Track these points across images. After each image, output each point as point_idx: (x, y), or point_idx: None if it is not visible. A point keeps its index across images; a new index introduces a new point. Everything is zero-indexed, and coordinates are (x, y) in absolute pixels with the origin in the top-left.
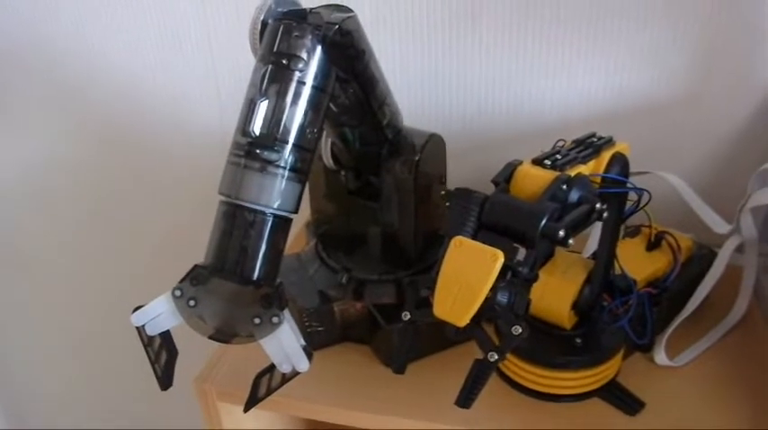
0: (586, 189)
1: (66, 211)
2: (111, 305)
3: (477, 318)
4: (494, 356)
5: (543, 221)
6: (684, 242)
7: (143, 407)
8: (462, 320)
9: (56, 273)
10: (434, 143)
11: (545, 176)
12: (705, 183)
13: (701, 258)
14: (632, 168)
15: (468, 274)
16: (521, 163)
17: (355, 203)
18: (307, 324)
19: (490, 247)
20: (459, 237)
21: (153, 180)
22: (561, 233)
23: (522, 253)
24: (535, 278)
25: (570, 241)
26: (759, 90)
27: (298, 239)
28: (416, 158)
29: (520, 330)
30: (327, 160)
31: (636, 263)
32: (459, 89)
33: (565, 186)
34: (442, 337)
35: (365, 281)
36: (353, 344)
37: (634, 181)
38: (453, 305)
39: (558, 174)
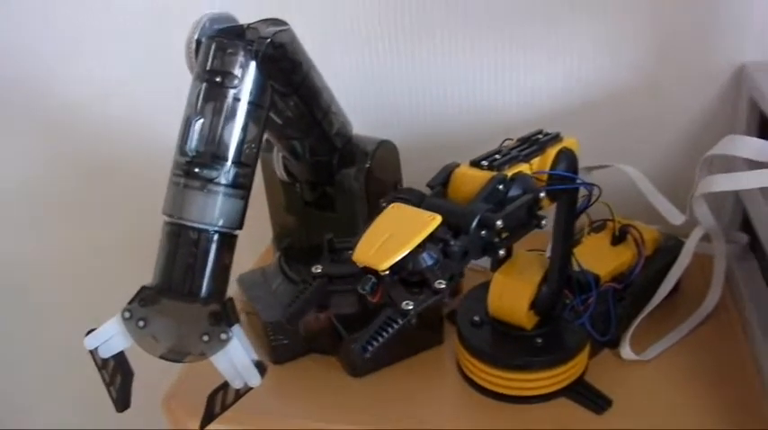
0: (527, 186)
1: (48, 233)
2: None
3: (396, 271)
4: (409, 305)
5: (475, 222)
6: (651, 234)
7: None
8: (383, 264)
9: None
10: (386, 149)
11: (481, 177)
12: (667, 174)
13: (669, 250)
14: (593, 161)
15: (400, 227)
16: (458, 165)
17: (313, 215)
18: (271, 337)
19: (429, 211)
20: (397, 203)
21: (133, 199)
22: (499, 223)
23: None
24: (461, 269)
25: (506, 235)
26: (716, 78)
27: (269, 253)
28: (367, 166)
29: (443, 285)
30: (280, 173)
31: (601, 257)
32: (413, 93)
33: (501, 186)
34: (407, 345)
35: (327, 291)
36: (319, 356)
37: (595, 174)
38: (377, 251)
39: (493, 174)
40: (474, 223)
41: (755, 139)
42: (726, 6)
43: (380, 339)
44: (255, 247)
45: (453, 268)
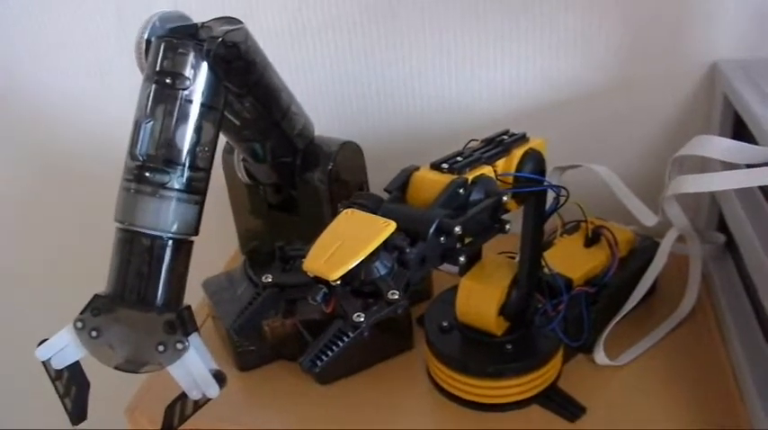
0: (489, 189)
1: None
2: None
3: (348, 281)
4: (360, 317)
5: (432, 228)
6: (625, 235)
7: None
8: (333, 274)
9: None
10: (349, 150)
11: (441, 181)
12: (640, 174)
13: (644, 251)
14: (564, 161)
15: (353, 234)
16: (417, 168)
17: (278, 218)
18: (237, 344)
19: (384, 218)
20: (350, 209)
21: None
22: (458, 229)
23: None
24: (418, 277)
25: (469, 240)
26: (689, 76)
27: (238, 256)
28: (330, 167)
29: (396, 295)
30: (242, 176)
31: (574, 260)
32: (380, 93)
33: (462, 190)
34: (376, 351)
35: (293, 298)
36: (287, 363)
37: (567, 174)
38: (329, 259)
39: (453, 177)
40: (431, 229)
41: (725, 140)
42: (698, 2)
43: (330, 353)
44: (224, 251)
45: (410, 277)
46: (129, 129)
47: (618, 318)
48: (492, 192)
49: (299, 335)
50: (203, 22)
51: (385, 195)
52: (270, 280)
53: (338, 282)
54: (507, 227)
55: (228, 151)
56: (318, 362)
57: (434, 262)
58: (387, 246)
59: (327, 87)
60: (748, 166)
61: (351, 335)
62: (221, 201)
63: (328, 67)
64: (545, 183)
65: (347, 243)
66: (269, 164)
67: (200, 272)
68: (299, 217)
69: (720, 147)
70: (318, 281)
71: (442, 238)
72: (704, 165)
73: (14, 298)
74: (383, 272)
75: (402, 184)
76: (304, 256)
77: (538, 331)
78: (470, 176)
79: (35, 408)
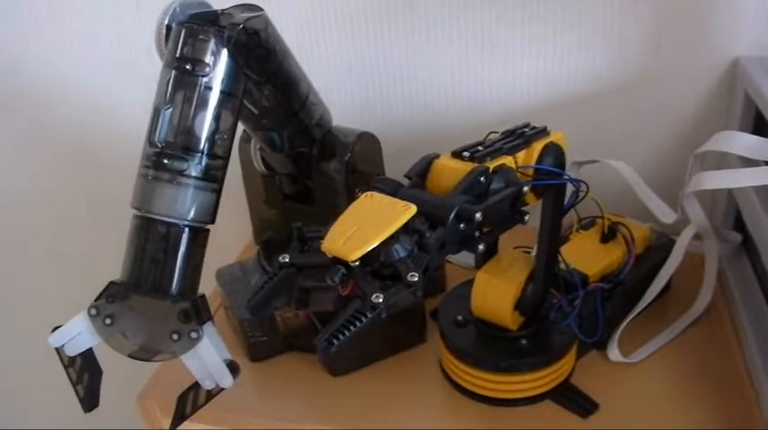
0: (509, 179)
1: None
2: None
3: (367, 262)
4: (379, 298)
5: (453, 214)
6: (641, 232)
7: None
8: (352, 254)
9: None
10: (367, 141)
11: (461, 169)
12: (659, 170)
13: (660, 248)
14: (581, 156)
15: (373, 217)
16: (438, 156)
17: (293, 208)
18: (249, 334)
19: (404, 201)
20: (371, 192)
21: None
22: (478, 216)
23: None
24: (437, 262)
25: (487, 229)
26: (710, 72)
27: (252, 247)
28: (347, 158)
29: (416, 278)
30: (258, 166)
31: (589, 256)
32: (396, 84)
33: (483, 178)
34: (389, 343)
35: (306, 288)
36: (299, 353)
37: (584, 169)
38: (348, 240)
39: (474, 165)
40: (452, 215)
41: (748, 136)
42: None
43: (347, 333)
44: (238, 240)
45: (428, 261)
46: (145, 120)
47: (632, 315)
48: (512, 182)
49: (311, 326)
50: (224, 9)
51: (405, 182)
52: (287, 260)
53: (357, 264)
54: (526, 218)
55: (245, 140)
56: (335, 341)
57: (453, 248)
58: (407, 229)
59: (344, 77)
60: None
61: (368, 315)
62: (236, 191)
63: (345, 58)
64: (565, 177)
65: (367, 225)
66: (286, 153)
67: (213, 261)
68: (314, 207)
69: (743, 143)
70: (337, 262)
71: (461, 225)
72: (723, 163)
73: (28, 287)
74: (403, 254)
75: (422, 171)
76: (322, 238)
77: (552, 326)
78: (491, 166)
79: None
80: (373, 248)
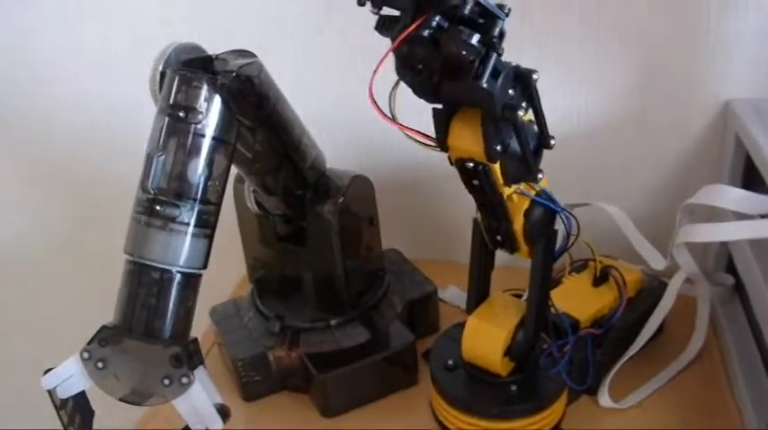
0: None
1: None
2: None
3: None
4: None
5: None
6: (633, 275)
7: None
8: None
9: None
10: (359, 184)
11: None
12: (651, 213)
13: (652, 291)
14: (573, 198)
15: None
16: None
17: (286, 248)
18: (243, 374)
19: None
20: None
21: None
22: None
23: None
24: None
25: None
26: (702, 114)
27: (245, 282)
28: (340, 201)
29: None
30: (252, 206)
31: (581, 299)
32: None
33: None
34: (381, 384)
35: (299, 328)
36: (292, 394)
37: (576, 212)
38: None
39: None
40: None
41: (735, 190)
42: (713, 40)
43: None
44: (231, 276)
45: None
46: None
47: (623, 359)
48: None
49: (303, 366)
50: (218, 54)
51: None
52: None
53: None
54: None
55: (239, 180)
56: None
57: None
58: None
59: (337, 114)
60: (762, 216)
61: None
62: (230, 228)
63: (336, 99)
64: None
65: None
66: (279, 196)
67: (207, 295)
68: (307, 249)
69: (731, 196)
70: None
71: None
72: (713, 211)
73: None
74: None
75: None
76: None
77: (543, 372)
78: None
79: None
80: None
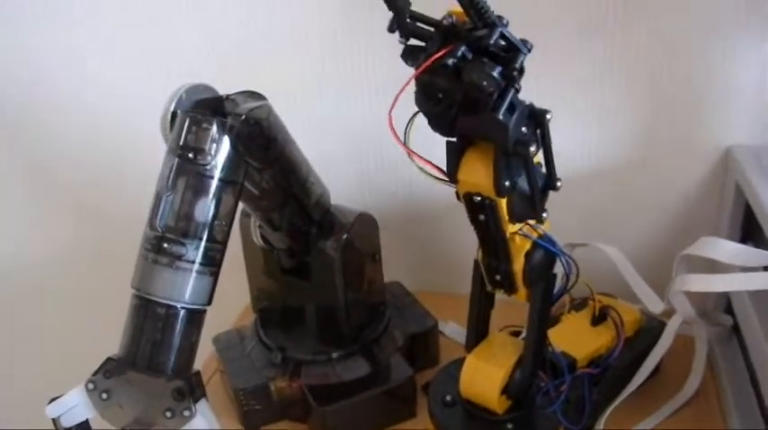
0: None
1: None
2: None
3: None
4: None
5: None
6: (632, 315)
7: None
8: None
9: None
10: (364, 222)
11: None
12: (651, 254)
13: (651, 331)
14: (573, 238)
15: None
16: None
17: (291, 282)
18: (244, 403)
19: None
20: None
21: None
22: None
23: None
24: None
25: None
26: (703, 159)
27: (249, 310)
28: (344, 238)
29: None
30: (257, 240)
31: (579, 338)
32: (392, 161)
33: None
34: (379, 416)
35: (301, 360)
36: (293, 423)
37: (575, 252)
38: None
39: None
40: None
41: (731, 243)
42: (716, 86)
43: None
44: (237, 303)
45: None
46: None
47: (620, 399)
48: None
49: (304, 396)
50: (228, 95)
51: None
52: None
53: None
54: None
55: (246, 214)
56: None
57: None
58: None
59: (342, 148)
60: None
61: None
62: (236, 258)
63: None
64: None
65: None
66: (284, 231)
67: (211, 321)
68: (310, 282)
69: (725, 250)
70: None
71: None
72: (710, 261)
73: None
74: None
75: None
76: None
77: (539, 411)
78: None
79: None
80: None
